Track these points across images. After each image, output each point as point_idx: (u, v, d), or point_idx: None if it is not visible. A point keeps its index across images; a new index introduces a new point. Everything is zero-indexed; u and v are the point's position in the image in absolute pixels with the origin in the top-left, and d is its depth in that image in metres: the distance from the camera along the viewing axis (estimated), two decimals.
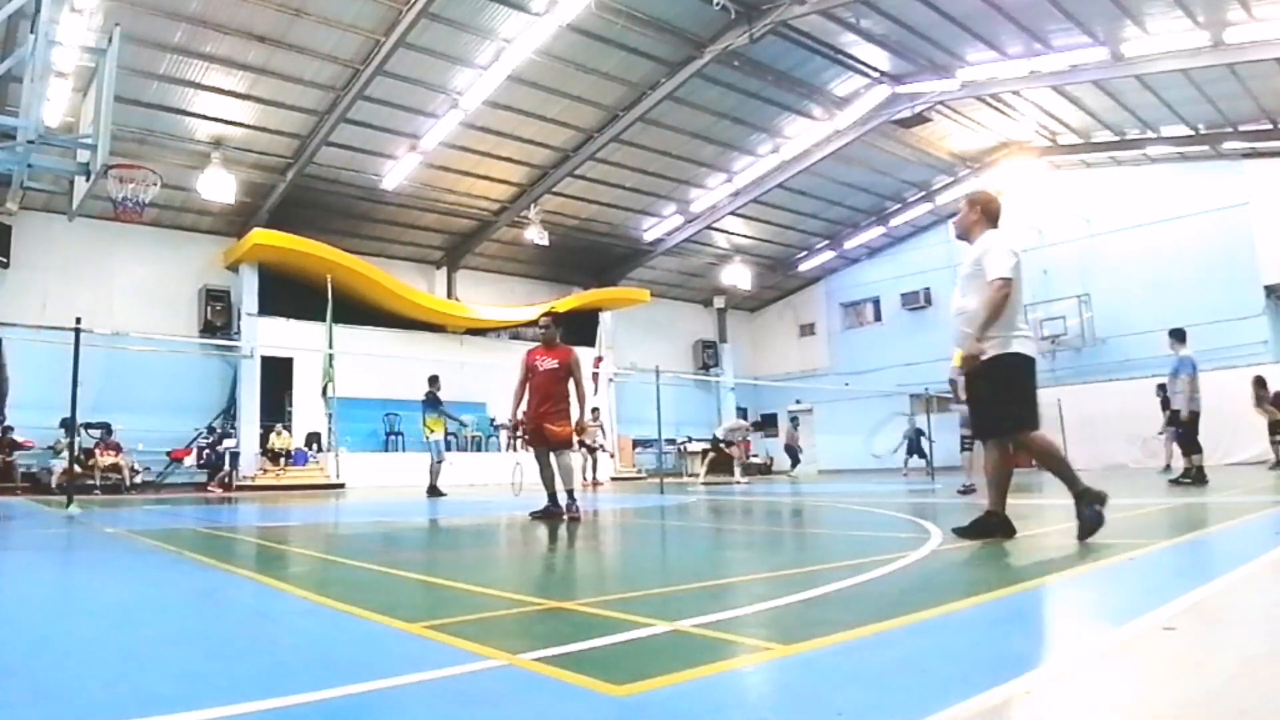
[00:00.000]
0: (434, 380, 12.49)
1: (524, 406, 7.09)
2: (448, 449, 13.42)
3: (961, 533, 4.46)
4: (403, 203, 18.88)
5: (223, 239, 18.32)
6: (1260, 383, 14.17)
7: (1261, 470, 13.78)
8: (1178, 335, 10.33)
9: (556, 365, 7.05)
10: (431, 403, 12.39)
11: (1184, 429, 10.22)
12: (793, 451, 21.51)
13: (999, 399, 4.32)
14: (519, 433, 7.41)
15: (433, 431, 12.32)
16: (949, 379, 4.27)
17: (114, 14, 11.48)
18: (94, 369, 13.86)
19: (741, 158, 20.05)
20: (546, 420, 6.95)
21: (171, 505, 10.60)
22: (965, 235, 4.65)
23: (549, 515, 6.86)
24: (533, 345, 7.41)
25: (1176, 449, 12.21)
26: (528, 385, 7.13)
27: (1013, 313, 4.30)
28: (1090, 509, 4.10)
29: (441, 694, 1.74)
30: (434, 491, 12.02)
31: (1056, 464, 4.28)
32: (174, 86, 14.16)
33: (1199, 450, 10.15)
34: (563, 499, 6.91)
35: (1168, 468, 14.26)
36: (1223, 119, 17.38)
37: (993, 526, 4.36)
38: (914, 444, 18.40)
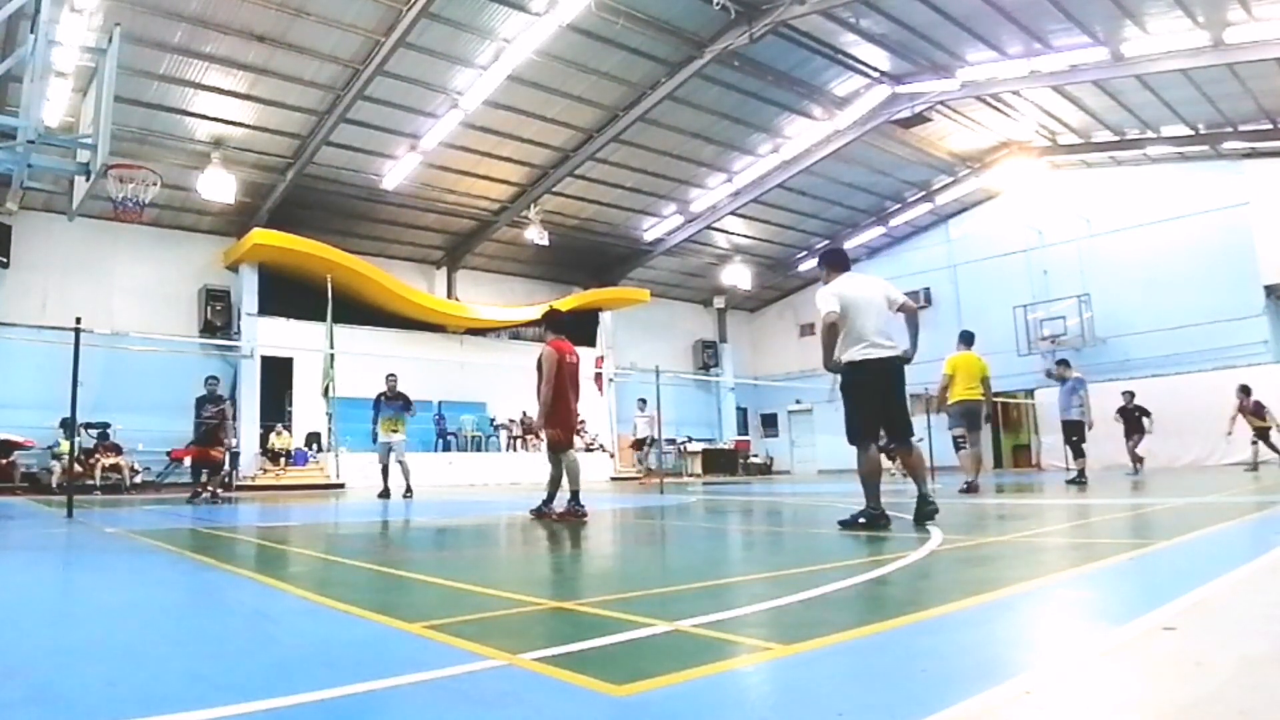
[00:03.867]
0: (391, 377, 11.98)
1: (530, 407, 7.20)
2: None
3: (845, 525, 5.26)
4: (403, 203, 18.87)
5: (223, 239, 18.31)
6: (1245, 390, 14.43)
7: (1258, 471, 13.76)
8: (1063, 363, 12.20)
9: (576, 361, 7.07)
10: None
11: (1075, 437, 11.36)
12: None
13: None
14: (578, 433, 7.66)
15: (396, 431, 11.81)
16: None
17: (114, 14, 11.47)
18: (94, 369, 13.85)
19: (741, 158, 20.04)
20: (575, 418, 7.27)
21: (171, 505, 10.59)
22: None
23: (576, 515, 6.74)
24: (532, 340, 7.49)
25: (1138, 451, 14.26)
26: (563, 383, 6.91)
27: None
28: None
29: (441, 694, 1.74)
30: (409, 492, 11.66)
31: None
32: (174, 86, 14.15)
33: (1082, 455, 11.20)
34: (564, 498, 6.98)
35: (1136, 468, 14.35)
36: (1223, 119, 17.37)
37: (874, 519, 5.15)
38: None
